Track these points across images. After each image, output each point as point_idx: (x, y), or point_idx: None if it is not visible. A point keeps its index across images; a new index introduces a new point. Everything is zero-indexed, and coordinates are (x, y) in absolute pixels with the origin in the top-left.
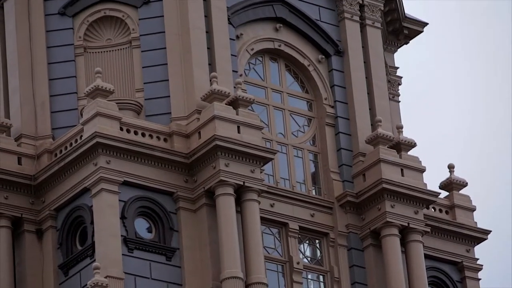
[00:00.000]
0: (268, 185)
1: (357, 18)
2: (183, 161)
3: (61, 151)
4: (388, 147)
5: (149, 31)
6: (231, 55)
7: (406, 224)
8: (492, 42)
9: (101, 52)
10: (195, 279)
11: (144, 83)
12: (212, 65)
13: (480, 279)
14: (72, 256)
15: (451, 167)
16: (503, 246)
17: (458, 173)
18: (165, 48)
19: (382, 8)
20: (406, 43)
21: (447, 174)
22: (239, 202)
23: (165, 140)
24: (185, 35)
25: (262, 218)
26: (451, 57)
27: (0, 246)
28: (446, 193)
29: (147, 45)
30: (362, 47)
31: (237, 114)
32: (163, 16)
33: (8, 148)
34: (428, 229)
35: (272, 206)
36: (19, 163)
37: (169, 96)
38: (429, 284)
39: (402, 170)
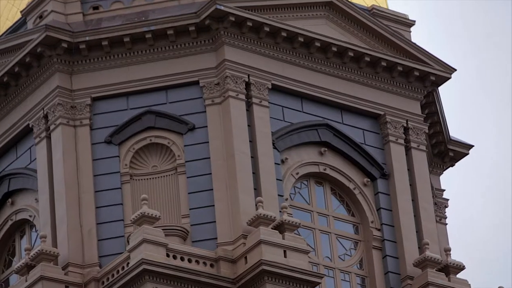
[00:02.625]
0: None
1: (402, 141)
2: (230, 287)
3: (108, 279)
4: (436, 270)
5: (194, 157)
6: (277, 179)
7: None
8: None
9: (147, 179)
10: None
11: (190, 209)
12: (257, 190)
13: None
14: None
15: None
16: None
17: None
18: (210, 173)
19: (427, 131)
20: (452, 165)
21: None
22: None
23: (211, 265)
24: (230, 160)
25: None
26: (497, 180)
27: None
28: None
29: (193, 171)
30: (408, 169)
31: (283, 238)
32: (208, 142)
33: (55, 277)
34: None
35: None
36: None
37: (215, 222)
38: None
39: None
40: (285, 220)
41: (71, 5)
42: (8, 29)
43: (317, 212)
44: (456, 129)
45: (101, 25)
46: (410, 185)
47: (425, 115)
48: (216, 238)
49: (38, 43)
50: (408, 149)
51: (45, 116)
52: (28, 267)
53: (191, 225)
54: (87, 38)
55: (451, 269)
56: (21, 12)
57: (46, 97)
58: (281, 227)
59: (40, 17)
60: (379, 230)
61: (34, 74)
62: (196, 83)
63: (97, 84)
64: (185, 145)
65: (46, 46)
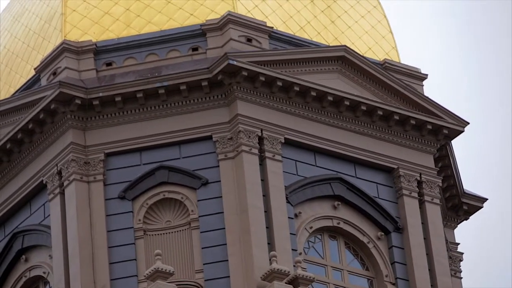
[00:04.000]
0: None
1: (416, 195)
2: None
3: None
4: None
5: (208, 212)
6: (290, 233)
7: None
8: None
9: (161, 234)
10: None
11: (204, 264)
12: (271, 244)
13: None
14: None
15: None
16: None
17: None
18: (224, 228)
19: (441, 184)
20: (466, 219)
21: None
22: None
23: None
24: (243, 215)
25: None
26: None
27: None
28: None
29: (206, 226)
30: (422, 223)
31: None
32: (221, 197)
33: None
34: None
35: None
36: None
37: (228, 277)
38: None
39: None
40: (299, 275)
41: (85, 62)
42: (22, 86)
43: (331, 266)
44: (470, 182)
45: (114, 81)
46: (424, 238)
47: (438, 169)
48: None
49: (51, 100)
50: (422, 203)
51: (59, 172)
52: None
53: (205, 280)
54: (101, 94)
55: None
56: (34, 69)
57: (60, 153)
58: (295, 282)
59: (54, 73)
60: (393, 284)
61: (48, 130)
62: (209, 138)
63: (110, 140)
64: (198, 200)
65: (59, 103)
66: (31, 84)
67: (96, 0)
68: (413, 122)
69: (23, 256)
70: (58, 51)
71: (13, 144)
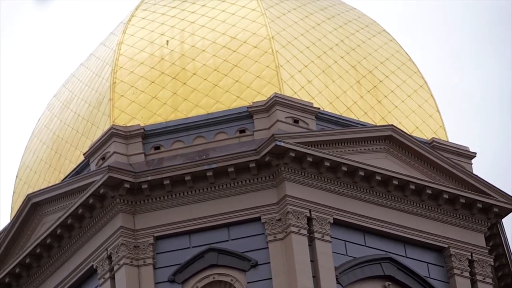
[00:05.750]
0: None
1: (467, 274)
2: None
3: None
4: None
5: None
6: None
7: None
8: None
9: None
10: None
11: None
12: None
13: None
14: None
15: None
16: None
17: None
18: None
19: (492, 263)
20: None
21: None
22: None
23: None
24: None
25: None
26: None
27: None
28: None
29: None
30: None
31: None
32: (271, 278)
33: None
34: None
35: None
36: None
37: None
38: None
39: None
40: None
41: (133, 146)
42: (72, 171)
43: None
44: None
45: (163, 164)
46: None
47: (490, 247)
48: None
49: (101, 185)
50: (473, 282)
51: (109, 257)
52: None
53: None
54: (149, 178)
55: None
56: (84, 154)
57: (110, 237)
58: None
59: (103, 158)
60: None
61: (98, 215)
62: (258, 219)
63: (159, 223)
64: (248, 282)
65: (109, 187)
66: (81, 169)
67: (143, 85)
68: (462, 200)
69: None
70: (106, 136)
71: (63, 229)
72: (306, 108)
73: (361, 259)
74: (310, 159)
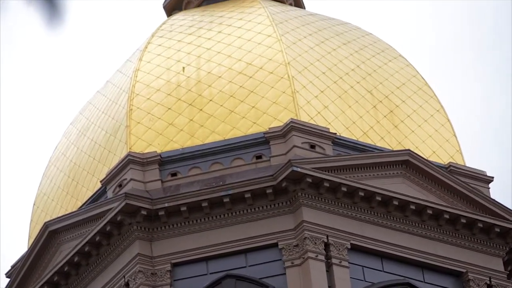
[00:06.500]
0: None
1: None
2: None
3: None
4: None
5: None
6: None
7: None
8: None
9: None
10: None
11: None
12: None
13: None
14: None
15: None
16: None
17: None
18: None
19: None
20: None
21: None
22: None
23: None
24: None
25: None
26: None
27: None
28: None
29: None
30: None
31: None
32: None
33: None
34: None
35: None
36: None
37: None
38: None
39: None
40: None
41: (150, 173)
42: (89, 199)
43: None
44: None
45: (180, 191)
46: None
47: (508, 272)
48: None
49: (118, 212)
50: None
51: (127, 284)
52: None
53: None
54: (166, 205)
55: None
56: (101, 181)
57: (127, 264)
58: None
59: (120, 185)
60: None
61: (115, 242)
62: (275, 245)
63: (176, 250)
64: None
65: (126, 214)
66: (98, 196)
67: (160, 112)
68: (480, 225)
69: None
70: (123, 163)
71: (80, 257)
72: (322, 134)
73: (379, 284)
74: (327, 184)
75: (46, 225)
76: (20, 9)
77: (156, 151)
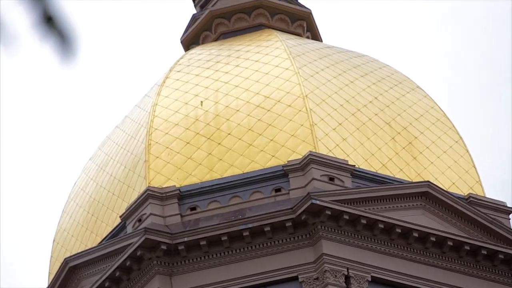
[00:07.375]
0: None
1: None
2: None
3: None
4: None
5: None
6: None
7: None
8: None
9: None
10: None
11: None
12: None
13: None
14: None
15: None
16: None
17: None
18: None
19: None
20: None
21: None
22: None
23: None
24: None
25: None
26: None
27: None
28: None
29: None
30: None
31: None
32: None
33: None
34: None
35: None
36: None
37: None
38: None
39: None
40: None
41: (169, 207)
42: (108, 234)
43: None
44: None
45: (199, 225)
46: None
47: None
48: None
49: (138, 247)
50: None
51: None
52: None
53: None
54: (186, 239)
55: None
56: (120, 217)
57: None
58: None
59: (139, 220)
60: None
61: (135, 277)
62: (295, 278)
63: (196, 284)
64: None
65: (145, 249)
66: (117, 231)
67: (178, 146)
68: (501, 256)
69: None
70: (142, 198)
71: None
72: (341, 166)
73: None
74: (346, 216)
75: (66, 261)
76: (36, 46)
77: (175, 185)
